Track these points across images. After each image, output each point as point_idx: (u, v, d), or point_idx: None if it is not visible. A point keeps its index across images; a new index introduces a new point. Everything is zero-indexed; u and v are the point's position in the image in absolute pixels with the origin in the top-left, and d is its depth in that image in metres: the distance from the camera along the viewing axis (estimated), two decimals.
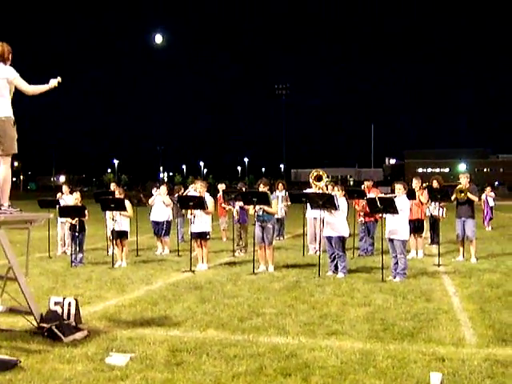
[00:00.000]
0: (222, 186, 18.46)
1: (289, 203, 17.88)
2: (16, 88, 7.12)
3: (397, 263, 11.26)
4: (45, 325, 7.04)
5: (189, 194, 14.50)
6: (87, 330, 7.21)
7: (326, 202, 11.62)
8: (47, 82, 7.29)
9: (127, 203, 13.45)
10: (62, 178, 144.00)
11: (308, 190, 15.43)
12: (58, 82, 7.36)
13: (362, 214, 14.93)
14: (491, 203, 24.58)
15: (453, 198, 13.74)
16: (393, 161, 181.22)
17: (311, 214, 15.10)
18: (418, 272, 12.03)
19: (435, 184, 15.42)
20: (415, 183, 14.76)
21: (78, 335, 6.99)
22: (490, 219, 24.34)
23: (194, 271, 12.29)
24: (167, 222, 16.04)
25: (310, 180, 15.46)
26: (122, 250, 13.47)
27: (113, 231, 13.47)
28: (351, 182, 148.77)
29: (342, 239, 11.77)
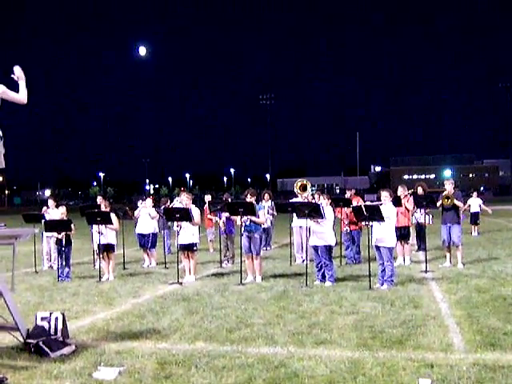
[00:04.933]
0: (207, 197, 18.46)
1: (275, 213, 17.90)
2: (8, 101, 7.02)
3: (384, 271, 11.28)
4: (31, 340, 6.98)
5: (174, 206, 14.47)
6: (75, 345, 7.16)
7: (311, 212, 11.64)
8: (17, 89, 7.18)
9: (113, 216, 13.39)
10: (48, 192, 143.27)
11: (294, 200, 15.45)
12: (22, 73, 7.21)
13: (346, 222, 14.95)
14: (476, 209, 24.61)
15: (438, 204, 13.81)
16: (378, 168, 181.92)
17: (297, 223, 15.10)
18: (405, 279, 12.05)
19: (420, 190, 15.44)
20: (400, 191, 14.77)
21: (66, 350, 6.93)
22: (476, 224, 24.34)
23: (181, 283, 12.25)
24: (153, 234, 16.02)
25: (295, 190, 15.49)
26: (109, 264, 13.40)
27: (99, 245, 13.39)
28: (337, 191, 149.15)
29: (328, 248, 11.77)
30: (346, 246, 15.16)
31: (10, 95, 6.92)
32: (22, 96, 7.02)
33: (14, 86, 7.04)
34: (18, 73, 7.04)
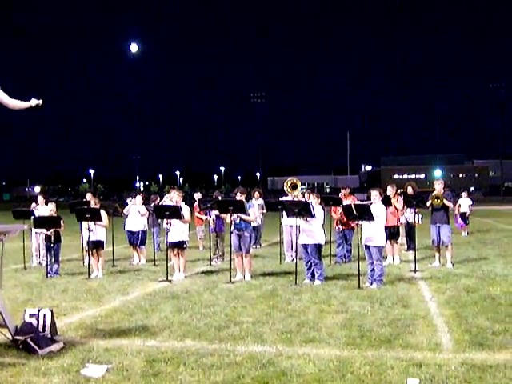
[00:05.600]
0: (198, 195, 18.42)
1: (264, 211, 17.88)
2: None
3: (373, 270, 11.30)
4: (19, 337, 6.95)
5: (164, 204, 14.45)
6: (63, 342, 7.13)
7: (301, 210, 11.64)
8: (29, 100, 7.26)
9: (103, 213, 13.35)
10: (37, 189, 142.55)
11: (284, 198, 15.44)
12: (38, 105, 7.29)
13: (339, 222, 14.92)
14: (465, 209, 24.61)
15: (428, 204, 13.83)
16: (369, 167, 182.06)
17: (287, 221, 15.10)
18: (394, 278, 12.08)
19: (410, 190, 15.47)
20: (390, 190, 14.80)
21: (54, 347, 6.91)
22: (465, 224, 24.37)
23: (170, 280, 12.23)
24: (142, 231, 15.96)
25: (285, 188, 15.48)
26: (98, 261, 13.37)
27: (88, 241, 13.35)
28: (327, 190, 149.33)
29: (318, 247, 11.78)
30: (337, 244, 15.15)
31: (0, 96, 6.92)
32: (12, 101, 7.02)
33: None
34: (33, 102, 7.14)
